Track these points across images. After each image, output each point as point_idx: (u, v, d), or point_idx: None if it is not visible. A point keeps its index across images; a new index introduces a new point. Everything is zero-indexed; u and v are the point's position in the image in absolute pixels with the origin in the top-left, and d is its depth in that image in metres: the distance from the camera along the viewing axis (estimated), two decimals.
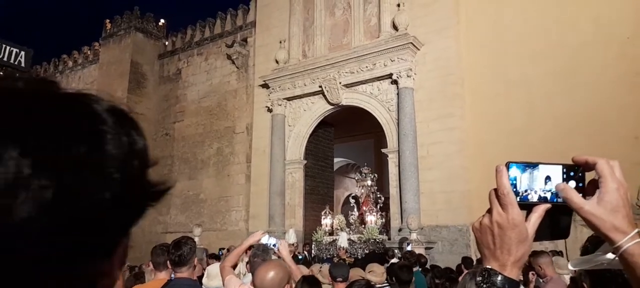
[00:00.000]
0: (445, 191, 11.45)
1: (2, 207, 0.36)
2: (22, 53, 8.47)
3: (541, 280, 4.66)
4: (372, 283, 3.38)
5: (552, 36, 11.10)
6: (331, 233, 12.92)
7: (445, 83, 12.05)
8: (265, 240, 3.41)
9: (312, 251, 12.24)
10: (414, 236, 10.45)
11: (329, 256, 11.19)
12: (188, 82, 18.53)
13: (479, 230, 0.76)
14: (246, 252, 3.60)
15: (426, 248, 10.45)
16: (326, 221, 13.43)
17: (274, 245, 3.45)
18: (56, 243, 0.38)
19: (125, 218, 0.43)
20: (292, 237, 10.71)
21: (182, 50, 19.14)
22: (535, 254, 5.04)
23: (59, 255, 0.38)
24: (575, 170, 0.74)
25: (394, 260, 7.60)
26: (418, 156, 11.92)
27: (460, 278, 5.95)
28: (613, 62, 10.17)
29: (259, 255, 3.49)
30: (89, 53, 22.41)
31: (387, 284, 5.08)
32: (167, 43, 20.07)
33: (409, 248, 9.17)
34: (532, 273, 4.95)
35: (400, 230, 11.52)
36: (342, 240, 10.86)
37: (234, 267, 3.31)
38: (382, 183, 14.58)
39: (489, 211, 0.75)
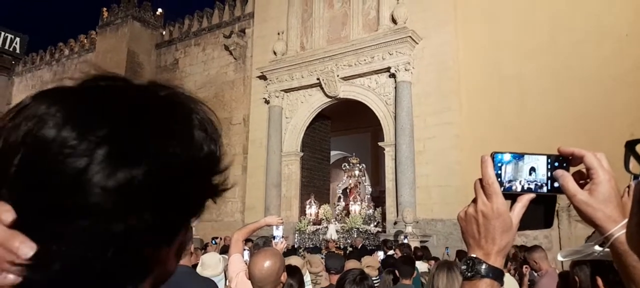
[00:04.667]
0: (440, 185, 11.49)
1: (88, 181, 0.39)
2: (17, 39, 8.40)
3: (536, 274, 4.70)
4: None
5: (548, 33, 11.10)
6: (316, 223, 12.92)
7: (443, 78, 12.05)
8: (276, 231, 3.46)
9: (296, 240, 12.20)
10: (409, 229, 10.49)
11: (312, 245, 11.23)
12: (185, 73, 18.42)
13: (464, 219, 0.77)
14: (246, 243, 3.63)
15: (421, 242, 10.50)
16: (311, 210, 13.43)
17: (276, 238, 3.50)
18: (129, 221, 0.41)
19: (190, 209, 0.47)
20: (333, 233, 10.73)
21: (179, 40, 19.01)
22: (529, 249, 5.09)
23: (129, 233, 0.41)
24: (560, 161, 0.75)
25: (391, 252, 7.63)
26: (414, 150, 11.93)
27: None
28: (608, 59, 10.18)
29: (261, 247, 3.50)
30: (85, 41, 22.21)
31: (379, 277, 5.11)
32: (164, 33, 19.91)
33: (405, 241, 9.21)
34: (526, 267, 4.99)
35: (395, 223, 11.56)
36: (331, 231, 10.88)
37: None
38: (378, 177, 14.61)
39: (474, 201, 0.76)
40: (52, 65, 23.21)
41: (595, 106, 10.00)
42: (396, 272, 4.23)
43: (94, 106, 0.42)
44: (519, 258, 5.72)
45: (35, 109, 0.42)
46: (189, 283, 3.12)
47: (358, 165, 14.02)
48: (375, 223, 12.34)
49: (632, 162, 0.58)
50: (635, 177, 0.59)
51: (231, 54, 16.89)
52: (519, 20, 11.51)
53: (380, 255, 7.44)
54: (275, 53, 14.85)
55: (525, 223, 0.75)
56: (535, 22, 11.27)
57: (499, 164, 0.74)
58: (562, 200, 0.76)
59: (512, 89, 11.25)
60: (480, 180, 0.75)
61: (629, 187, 0.77)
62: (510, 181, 0.74)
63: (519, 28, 11.44)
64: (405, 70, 12.28)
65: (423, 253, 8.17)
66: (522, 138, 10.13)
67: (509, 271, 5.26)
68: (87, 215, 0.39)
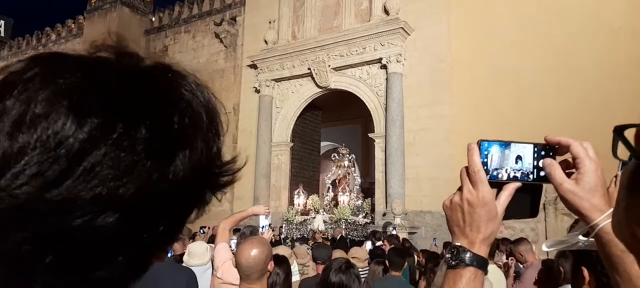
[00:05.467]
0: (431, 178, 11.52)
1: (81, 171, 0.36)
2: (2, 22, 8.19)
3: (521, 266, 4.75)
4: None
5: (542, 25, 11.12)
6: (304, 213, 12.92)
7: (435, 70, 12.04)
8: (263, 220, 3.47)
9: (283, 230, 12.18)
10: (397, 221, 10.54)
11: (299, 235, 11.23)
12: (174, 60, 17.12)
13: (449, 207, 0.77)
14: (234, 234, 3.62)
15: (410, 233, 10.56)
16: (299, 201, 13.42)
17: (263, 228, 3.51)
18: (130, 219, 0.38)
19: (196, 207, 0.45)
20: (320, 224, 10.70)
21: (169, 27, 18.75)
22: (515, 242, 5.16)
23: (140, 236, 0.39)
24: (547, 150, 0.74)
25: (379, 243, 7.65)
26: (405, 142, 11.95)
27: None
28: (602, 52, 10.25)
29: (247, 235, 3.48)
30: (72, 26, 21.84)
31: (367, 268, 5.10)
32: (153, 19, 19.63)
33: (394, 232, 9.24)
34: (511, 259, 5.05)
35: (384, 214, 11.60)
36: (318, 222, 10.88)
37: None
38: (368, 168, 14.62)
39: (460, 189, 0.75)
40: (38, 50, 22.74)
41: (590, 99, 10.07)
42: (386, 262, 4.24)
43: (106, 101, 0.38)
44: (506, 251, 5.76)
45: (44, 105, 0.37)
46: (167, 273, 3.09)
47: (347, 155, 14.01)
48: (363, 215, 12.34)
49: (620, 147, 0.56)
50: (623, 163, 0.57)
51: (221, 41, 16.71)
52: (513, 13, 11.52)
53: (368, 245, 7.46)
54: (266, 42, 14.72)
55: (511, 212, 0.75)
56: (530, 15, 11.27)
57: (486, 152, 0.73)
58: (549, 194, 0.74)
59: (506, 82, 11.28)
60: (467, 168, 0.74)
61: (616, 176, 0.76)
62: (496, 169, 0.73)
63: (513, 20, 11.45)
64: (397, 61, 12.25)
65: (410, 245, 8.20)
66: (515, 131, 10.13)
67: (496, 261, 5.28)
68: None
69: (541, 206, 9.44)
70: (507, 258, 5.36)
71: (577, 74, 10.37)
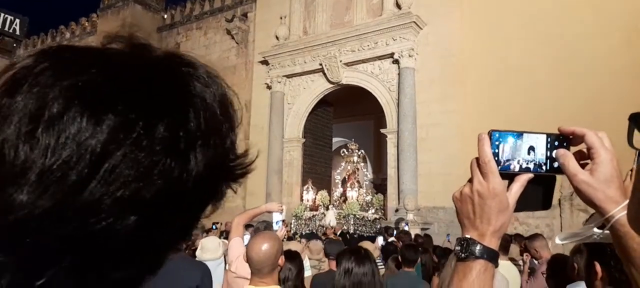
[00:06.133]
0: (443, 173, 11.42)
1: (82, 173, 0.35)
2: (17, 21, 8.33)
3: (536, 262, 4.69)
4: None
5: (554, 23, 10.94)
6: (313, 209, 12.89)
7: (447, 65, 11.92)
8: (277, 216, 3.50)
9: (292, 226, 12.17)
10: (410, 216, 10.48)
11: (308, 231, 11.21)
12: None
13: (459, 199, 0.75)
14: (247, 229, 3.65)
15: (422, 229, 10.50)
16: (308, 196, 13.39)
17: (277, 223, 3.54)
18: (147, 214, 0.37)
19: (212, 201, 0.44)
20: (332, 219, 10.67)
21: (181, 23, 18.88)
22: (530, 237, 5.09)
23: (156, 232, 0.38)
24: (560, 141, 0.72)
25: (391, 239, 7.62)
26: (417, 137, 11.87)
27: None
28: (615, 50, 10.05)
29: (261, 231, 3.50)
30: (86, 24, 22.13)
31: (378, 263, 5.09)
32: (165, 16, 19.79)
33: (406, 228, 9.19)
34: (526, 255, 4.98)
35: (397, 210, 11.54)
36: (330, 217, 10.84)
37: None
38: (380, 165, 14.57)
39: (470, 180, 0.73)
40: None
41: (602, 97, 9.88)
42: (399, 258, 4.23)
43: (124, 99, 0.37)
44: (520, 247, 5.70)
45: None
46: (182, 268, 3.12)
47: (357, 151, 13.94)
48: (373, 210, 12.27)
49: (636, 135, 0.53)
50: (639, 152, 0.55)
51: (233, 38, 16.77)
52: (524, 8, 11.34)
53: (380, 241, 7.44)
54: (277, 38, 14.72)
55: (523, 204, 0.73)
56: (543, 13, 11.09)
57: (497, 142, 0.71)
58: (564, 189, 0.73)
59: (518, 79, 11.12)
60: (477, 158, 0.72)
61: (632, 170, 0.73)
62: (507, 160, 0.71)
63: (525, 15, 11.28)
64: (409, 56, 12.16)
65: (424, 241, 8.14)
66: (527, 126, 9.76)
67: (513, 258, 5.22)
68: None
69: (556, 201, 9.31)
70: (521, 254, 5.30)
71: (589, 68, 10.19)
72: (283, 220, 3.66)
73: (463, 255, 0.71)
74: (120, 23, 18.73)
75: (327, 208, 11.99)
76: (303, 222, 12.31)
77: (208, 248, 4.77)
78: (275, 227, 3.62)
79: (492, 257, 0.71)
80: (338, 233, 9.83)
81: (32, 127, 0.34)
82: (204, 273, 3.45)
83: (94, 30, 21.09)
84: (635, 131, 0.55)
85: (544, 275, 3.59)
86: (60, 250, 0.35)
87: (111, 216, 0.35)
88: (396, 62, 12.43)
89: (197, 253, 4.91)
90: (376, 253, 5.20)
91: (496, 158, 0.71)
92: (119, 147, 0.35)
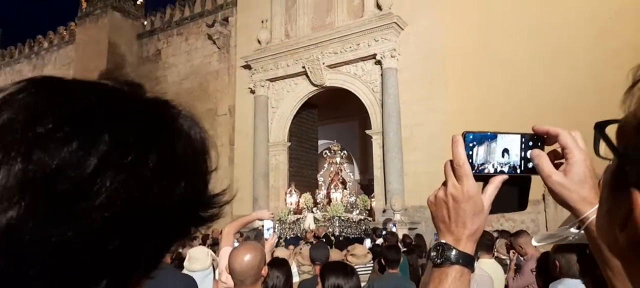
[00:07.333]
0: (429, 172, 11.44)
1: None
2: None
3: (522, 259, 4.72)
4: (353, 265, 3.33)
5: (535, 18, 11.07)
6: (297, 212, 12.78)
7: (430, 63, 12.00)
8: (268, 224, 3.48)
9: (277, 230, 12.00)
10: (397, 217, 10.50)
11: (292, 235, 11.11)
12: (168, 63, 18.09)
13: (434, 203, 0.74)
14: (236, 237, 3.62)
15: (410, 229, 10.52)
16: (291, 199, 13.28)
17: (268, 230, 3.51)
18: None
19: (169, 235, 0.44)
20: (311, 222, 10.53)
21: (161, 30, 18.65)
22: (515, 234, 5.13)
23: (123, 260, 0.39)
24: (535, 140, 0.72)
25: (379, 241, 7.61)
26: (402, 137, 11.90)
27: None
28: (597, 40, 10.19)
29: (251, 239, 3.44)
30: (64, 33, 21.72)
31: (370, 266, 5.06)
32: (145, 23, 19.54)
33: (394, 229, 9.18)
34: (513, 252, 5.02)
35: (384, 211, 11.55)
36: (309, 221, 10.74)
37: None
38: (366, 165, 14.58)
39: (444, 184, 0.73)
40: (32, 58, 22.70)
41: (586, 88, 10.02)
42: (382, 260, 4.20)
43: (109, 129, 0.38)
44: (506, 244, 5.73)
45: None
46: (166, 281, 3.03)
47: (339, 151, 13.88)
48: (357, 211, 12.21)
49: (603, 145, 0.51)
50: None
51: (214, 43, 16.63)
52: (507, 2, 11.46)
53: (368, 243, 7.41)
54: (259, 42, 14.64)
55: (499, 205, 0.72)
56: (524, 8, 11.22)
57: (471, 144, 0.70)
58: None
59: (502, 72, 11.22)
60: (451, 161, 0.72)
61: (599, 181, 0.72)
62: (482, 163, 0.71)
63: (507, 10, 11.40)
64: (392, 56, 12.20)
65: (415, 241, 8.14)
66: (512, 122, 10.03)
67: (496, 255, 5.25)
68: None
69: (541, 196, 9.41)
70: (508, 251, 5.33)
71: (574, 63, 10.32)
72: (274, 228, 3.62)
73: (438, 261, 0.71)
74: (99, 32, 18.44)
75: (311, 211, 11.89)
76: (287, 226, 12.19)
77: (196, 258, 4.69)
78: (266, 234, 3.58)
79: (467, 262, 0.71)
80: (321, 236, 9.71)
81: (28, 149, 0.35)
82: (188, 286, 3.37)
83: (72, 38, 20.71)
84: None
85: (533, 272, 3.62)
86: (39, 272, 0.35)
87: (96, 240, 0.36)
88: (379, 63, 12.46)
89: (185, 263, 4.82)
90: (368, 257, 5.17)
91: (470, 161, 0.70)
92: (110, 173, 0.36)
